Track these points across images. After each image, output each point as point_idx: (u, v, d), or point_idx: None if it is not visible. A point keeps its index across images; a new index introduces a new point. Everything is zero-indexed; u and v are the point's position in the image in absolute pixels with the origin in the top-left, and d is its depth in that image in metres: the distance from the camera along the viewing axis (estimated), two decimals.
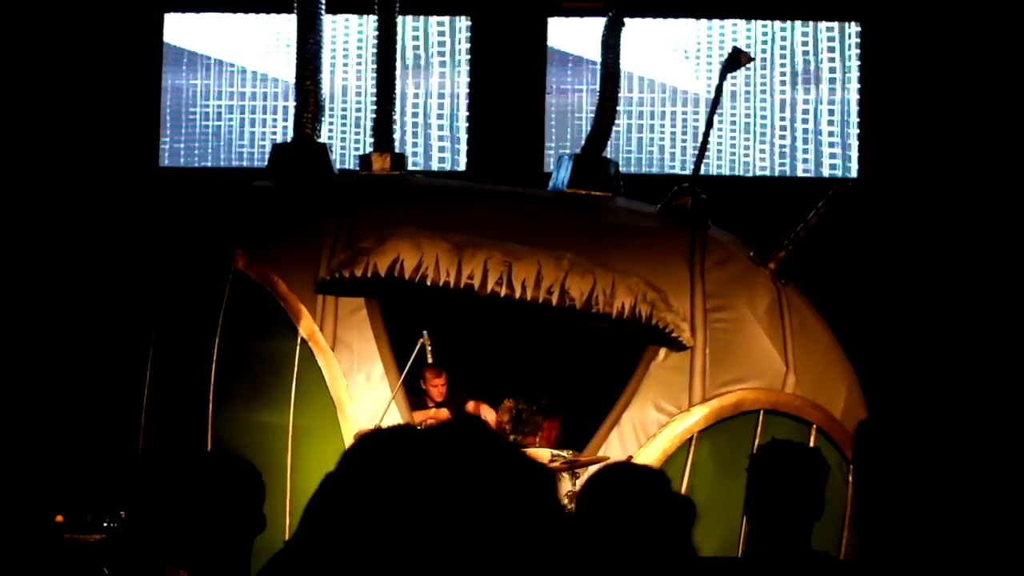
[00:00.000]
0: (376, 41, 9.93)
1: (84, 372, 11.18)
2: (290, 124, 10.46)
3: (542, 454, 8.51)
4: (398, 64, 10.03)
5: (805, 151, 12.60)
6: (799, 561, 4.01)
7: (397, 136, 10.38)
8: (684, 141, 12.64)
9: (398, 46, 10.01)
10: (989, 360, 11.52)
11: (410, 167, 10.15)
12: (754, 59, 10.68)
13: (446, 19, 12.72)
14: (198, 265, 9.10)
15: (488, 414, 9.97)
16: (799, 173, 12.56)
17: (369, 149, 10.01)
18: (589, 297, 8.65)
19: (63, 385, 11.17)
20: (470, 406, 10.02)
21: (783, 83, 12.61)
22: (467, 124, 12.67)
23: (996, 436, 9.56)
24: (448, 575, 1.66)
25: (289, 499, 8.29)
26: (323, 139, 9.92)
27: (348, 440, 8.53)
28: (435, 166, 12.55)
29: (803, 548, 4.02)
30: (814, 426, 8.68)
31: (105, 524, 8.14)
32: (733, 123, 12.59)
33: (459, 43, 12.72)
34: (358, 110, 12.69)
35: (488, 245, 8.76)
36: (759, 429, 8.60)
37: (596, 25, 10.53)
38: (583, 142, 10.07)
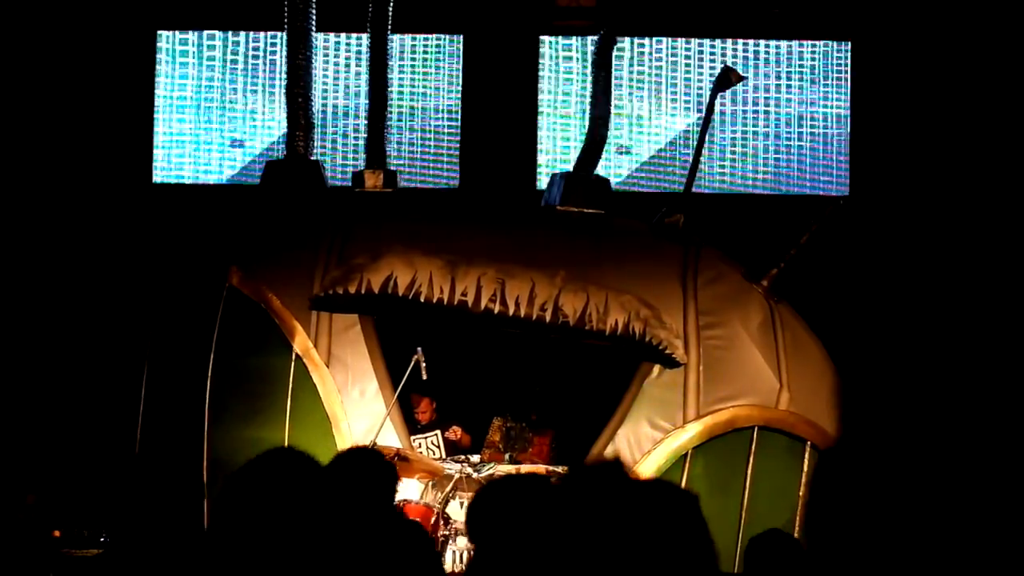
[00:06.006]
0: (368, 59, 9.96)
1: (80, 388, 11.17)
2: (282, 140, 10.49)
3: (537, 471, 8.49)
4: (390, 82, 10.06)
5: (798, 169, 12.63)
6: None
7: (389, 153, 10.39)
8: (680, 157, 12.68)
9: (390, 64, 10.03)
10: (982, 374, 11.55)
11: (402, 184, 10.15)
12: (745, 78, 10.72)
13: (438, 37, 12.74)
14: (193, 282, 9.11)
15: (462, 437, 10.01)
16: (791, 191, 12.59)
17: (361, 166, 10.03)
18: (582, 314, 8.65)
19: (59, 400, 11.17)
20: (456, 431, 10.04)
21: (774, 101, 12.65)
22: (459, 141, 12.68)
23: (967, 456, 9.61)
24: None
25: None
26: (315, 156, 9.95)
27: None
28: (427, 183, 12.55)
29: None
30: (808, 443, 8.68)
31: (101, 539, 8.14)
32: (725, 141, 12.63)
33: (451, 61, 12.75)
34: (346, 126, 12.71)
35: (481, 262, 8.76)
36: (753, 446, 8.61)
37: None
38: (575, 160, 10.09)
